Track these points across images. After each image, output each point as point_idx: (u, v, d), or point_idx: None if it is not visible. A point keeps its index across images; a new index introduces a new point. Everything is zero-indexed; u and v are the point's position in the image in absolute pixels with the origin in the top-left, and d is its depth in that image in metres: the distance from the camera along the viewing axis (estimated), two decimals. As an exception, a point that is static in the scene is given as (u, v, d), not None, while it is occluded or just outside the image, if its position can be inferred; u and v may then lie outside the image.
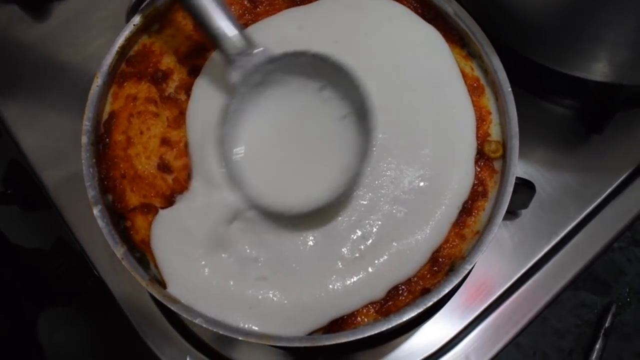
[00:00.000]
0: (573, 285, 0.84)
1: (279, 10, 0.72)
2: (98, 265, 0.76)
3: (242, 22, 0.72)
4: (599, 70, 0.70)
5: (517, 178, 0.70)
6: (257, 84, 0.65)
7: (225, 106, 0.64)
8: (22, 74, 0.87)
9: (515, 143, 0.65)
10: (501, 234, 0.77)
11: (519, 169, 0.72)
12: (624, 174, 0.79)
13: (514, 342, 0.74)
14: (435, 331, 0.75)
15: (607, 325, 0.85)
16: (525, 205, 0.75)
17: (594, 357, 0.83)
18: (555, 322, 0.86)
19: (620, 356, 0.85)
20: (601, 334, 0.84)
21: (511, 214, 0.78)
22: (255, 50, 0.63)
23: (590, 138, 0.80)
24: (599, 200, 0.78)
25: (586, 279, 0.84)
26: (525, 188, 0.72)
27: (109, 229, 0.63)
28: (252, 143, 0.65)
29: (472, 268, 0.73)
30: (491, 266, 0.76)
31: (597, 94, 0.77)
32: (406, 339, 0.75)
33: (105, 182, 0.66)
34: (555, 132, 0.81)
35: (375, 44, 0.70)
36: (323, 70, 0.64)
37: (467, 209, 0.65)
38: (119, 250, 0.62)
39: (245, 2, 0.73)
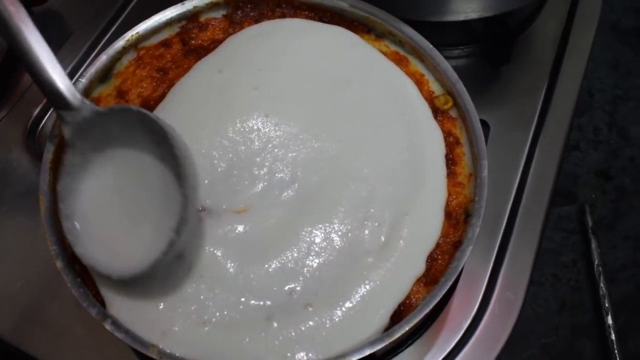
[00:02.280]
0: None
1: (189, 68, 0.72)
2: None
3: (159, 92, 0.70)
4: (482, 7, 0.76)
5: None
6: (99, 139, 0.62)
7: (65, 159, 0.61)
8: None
9: (460, 87, 0.69)
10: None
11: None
12: (543, 87, 0.85)
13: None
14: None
15: (590, 224, 0.90)
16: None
17: (595, 255, 0.88)
18: (547, 243, 0.89)
19: (614, 245, 0.90)
20: (590, 234, 0.89)
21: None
22: (81, 105, 0.60)
23: (500, 72, 0.86)
24: (537, 112, 0.83)
25: (552, 196, 0.88)
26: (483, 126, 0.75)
27: (130, 336, 0.57)
28: (91, 202, 0.62)
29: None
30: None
31: (489, 30, 0.83)
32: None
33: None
34: (468, 80, 0.86)
35: (296, 59, 0.71)
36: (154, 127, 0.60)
37: (451, 160, 0.67)
38: (153, 352, 0.56)
39: (154, 74, 0.72)
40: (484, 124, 0.75)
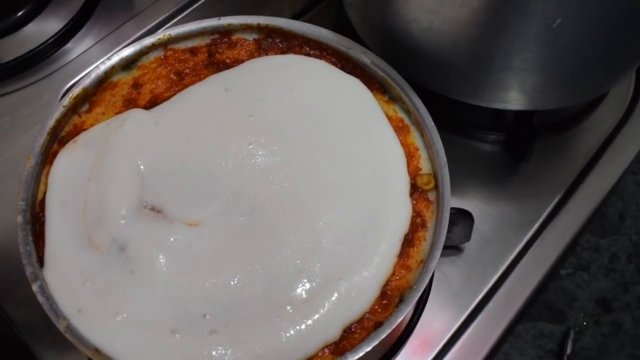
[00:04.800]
0: (529, 316, 0.85)
1: (204, 78, 0.75)
2: (43, 356, 0.73)
3: (170, 93, 0.74)
4: (512, 99, 0.74)
5: (454, 208, 0.72)
6: None
7: None
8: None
9: (445, 172, 0.68)
10: (449, 270, 0.78)
11: (457, 204, 0.74)
12: (556, 197, 0.82)
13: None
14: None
15: (568, 352, 0.84)
16: (467, 237, 0.77)
17: (561, 386, 0.83)
18: (518, 356, 0.85)
19: (587, 381, 0.85)
20: (564, 362, 0.84)
21: (456, 249, 0.79)
22: None
23: (519, 167, 0.84)
24: (537, 225, 0.80)
25: (541, 309, 0.85)
26: (463, 218, 0.74)
27: (49, 303, 0.61)
28: None
29: (423, 307, 0.74)
30: (443, 304, 0.76)
31: (516, 123, 0.81)
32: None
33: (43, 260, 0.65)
34: (486, 167, 0.85)
35: (301, 98, 0.73)
36: None
37: (408, 241, 0.66)
38: (62, 324, 0.60)
39: (172, 76, 0.76)
40: (465, 213, 0.73)
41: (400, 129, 0.73)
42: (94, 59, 0.95)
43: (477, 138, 0.86)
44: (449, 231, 0.72)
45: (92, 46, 0.95)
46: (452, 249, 0.79)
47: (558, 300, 0.88)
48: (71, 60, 0.94)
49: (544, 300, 0.86)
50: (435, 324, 0.75)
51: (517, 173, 0.84)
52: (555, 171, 0.84)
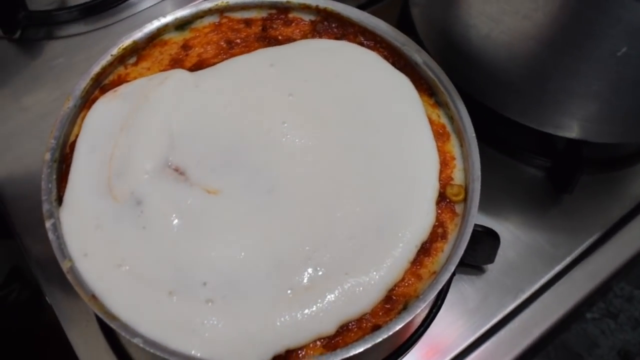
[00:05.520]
0: (544, 353, 0.81)
1: (252, 51, 0.75)
2: (49, 293, 0.74)
3: (217, 60, 0.74)
4: (563, 124, 0.71)
5: (481, 226, 0.70)
6: None
7: None
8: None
9: (476, 186, 0.65)
10: (466, 289, 0.75)
11: (487, 223, 0.71)
12: (593, 236, 0.78)
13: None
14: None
15: (578, 398, 0.80)
16: (490, 258, 0.74)
17: None
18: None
19: None
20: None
21: (477, 269, 0.76)
22: None
23: (560, 198, 0.80)
24: (567, 261, 0.76)
25: (558, 349, 0.81)
26: (488, 237, 0.71)
27: (59, 242, 0.62)
28: None
29: (433, 318, 0.72)
30: (455, 320, 0.73)
31: (565, 152, 0.77)
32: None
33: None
34: (525, 191, 0.81)
35: (345, 86, 0.72)
36: None
37: (425, 249, 0.64)
38: (66, 265, 0.61)
39: (222, 43, 0.76)
40: (492, 233, 0.70)
41: (440, 135, 0.70)
42: (155, 15, 0.95)
43: (521, 160, 0.82)
44: (472, 249, 0.69)
45: (156, 4, 0.96)
46: (473, 267, 0.76)
47: (578, 343, 0.84)
48: (133, 15, 0.94)
49: (564, 341, 0.82)
50: (443, 339, 0.73)
51: (557, 204, 0.80)
52: (598, 210, 0.80)
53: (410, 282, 0.63)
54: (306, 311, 0.60)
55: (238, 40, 0.76)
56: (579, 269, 0.76)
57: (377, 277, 0.62)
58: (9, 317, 0.80)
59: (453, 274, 0.73)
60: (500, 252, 0.74)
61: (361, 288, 0.61)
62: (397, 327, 0.58)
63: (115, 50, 0.73)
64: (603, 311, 0.86)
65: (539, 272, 0.76)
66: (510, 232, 0.78)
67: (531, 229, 0.78)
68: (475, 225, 0.67)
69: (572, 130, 0.71)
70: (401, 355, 0.71)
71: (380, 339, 0.58)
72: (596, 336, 0.85)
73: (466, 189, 0.67)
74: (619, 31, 0.59)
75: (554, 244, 0.77)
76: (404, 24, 0.83)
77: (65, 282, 0.60)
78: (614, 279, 0.77)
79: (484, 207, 0.78)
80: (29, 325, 0.80)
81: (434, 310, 0.72)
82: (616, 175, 0.82)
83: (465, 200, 0.66)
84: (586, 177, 0.80)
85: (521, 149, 0.82)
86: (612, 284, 0.83)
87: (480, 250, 0.73)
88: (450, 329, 0.73)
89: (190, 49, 0.75)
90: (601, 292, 0.79)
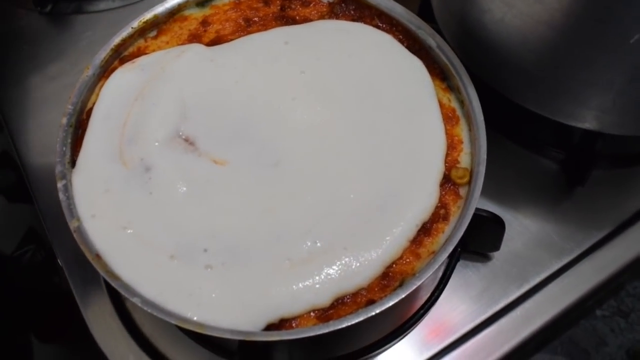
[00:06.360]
0: (550, 347, 0.80)
1: (271, 29, 0.76)
2: (61, 255, 0.76)
3: (234, 37, 0.75)
4: (576, 114, 0.70)
5: (486, 211, 0.69)
6: None
7: None
8: (23, 66, 0.92)
9: (481, 169, 0.65)
10: (470, 276, 0.75)
11: (497, 212, 0.71)
12: (604, 231, 0.77)
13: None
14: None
15: (581, 394, 0.79)
16: (496, 245, 0.73)
17: None
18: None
19: None
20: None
21: (483, 256, 0.76)
22: None
23: (573, 191, 0.79)
24: (575, 254, 0.75)
25: (565, 344, 0.79)
26: (494, 224, 0.70)
27: (68, 203, 0.64)
28: None
29: (435, 301, 0.72)
30: (457, 305, 0.73)
31: (578, 143, 0.76)
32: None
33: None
34: (538, 182, 0.80)
35: (358, 66, 0.72)
36: None
37: (426, 229, 0.64)
38: (74, 224, 0.63)
39: (240, 21, 0.77)
40: (497, 220, 0.69)
41: (449, 119, 0.70)
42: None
43: (535, 151, 0.81)
44: (476, 236, 0.69)
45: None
46: (479, 255, 0.76)
47: (586, 339, 0.83)
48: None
49: (571, 336, 0.81)
50: (444, 322, 0.72)
51: (569, 197, 0.79)
52: (611, 205, 0.78)
53: (408, 260, 0.63)
54: (302, 282, 0.61)
55: (256, 19, 0.77)
56: (586, 262, 0.75)
57: (375, 253, 0.62)
58: (22, 277, 0.83)
59: (457, 259, 0.74)
60: (507, 241, 0.74)
61: (359, 263, 0.62)
62: (391, 303, 0.58)
63: (136, 23, 0.75)
64: (614, 309, 0.84)
65: (545, 263, 0.75)
66: (520, 222, 0.77)
67: (541, 220, 0.77)
68: (481, 210, 0.67)
69: (585, 120, 0.70)
70: (401, 334, 0.71)
71: (372, 313, 0.58)
72: (605, 334, 0.83)
73: (471, 172, 0.67)
74: (631, 17, 0.58)
75: (563, 237, 0.76)
76: (424, 12, 0.83)
77: (76, 245, 0.62)
78: (623, 276, 0.76)
79: (494, 195, 0.79)
80: (41, 285, 0.83)
81: (435, 293, 0.72)
82: (631, 171, 0.80)
83: (469, 183, 0.66)
84: (600, 172, 0.79)
85: (535, 140, 0.81)
86: (624, 282, 0.82)
87: (485, 237, 0.72)
88: (452, 314, 0.73)
89: (209, 25, 0.77)
90: (611, 288, 0.78)
